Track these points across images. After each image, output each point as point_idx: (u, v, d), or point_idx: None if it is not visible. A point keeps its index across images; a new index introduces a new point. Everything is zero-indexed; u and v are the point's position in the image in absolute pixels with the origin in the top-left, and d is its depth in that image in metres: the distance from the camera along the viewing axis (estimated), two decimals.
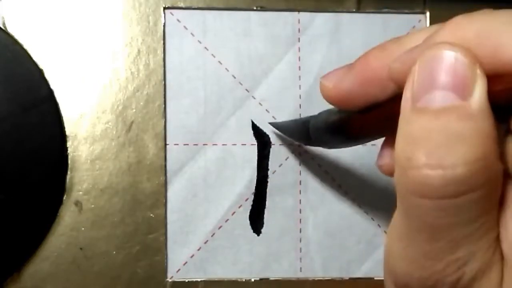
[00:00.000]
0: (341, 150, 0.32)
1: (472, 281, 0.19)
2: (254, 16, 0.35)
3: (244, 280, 0.35)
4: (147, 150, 0.34)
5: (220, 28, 0.35)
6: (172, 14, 0.35)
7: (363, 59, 0.22)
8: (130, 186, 0.34)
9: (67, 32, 0.34)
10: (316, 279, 0.35)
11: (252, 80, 0.35)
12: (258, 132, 0.35)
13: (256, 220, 0.35)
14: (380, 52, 0.22)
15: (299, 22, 0.35)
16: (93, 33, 0.34)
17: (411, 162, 0.18)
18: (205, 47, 0.35)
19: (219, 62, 0.35)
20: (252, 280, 0.35)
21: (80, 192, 0.34)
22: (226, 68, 0.35)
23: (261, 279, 0.35)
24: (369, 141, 0.26)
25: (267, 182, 0.35)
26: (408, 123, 0.19)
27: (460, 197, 0.18)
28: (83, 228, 0.34)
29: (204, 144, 0.35)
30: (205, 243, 0.35)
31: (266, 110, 0.35)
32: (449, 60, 0.18)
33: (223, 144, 0.35)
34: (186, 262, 0.34)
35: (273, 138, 0.35)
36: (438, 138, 0.18)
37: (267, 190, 0.35)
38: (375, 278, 0.35)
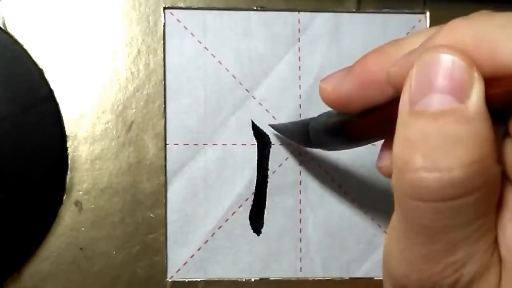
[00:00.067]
0: (341, 150, 0.32)
1: (470, 283, 0.19)
2: (254, 16, 0.35)
3: (244, 280, 0.35)
4: (147, 150, 0.34)
5: (220, 28, 0.35)
6: (172, 14, 0.35)
7: (362, 62, 0.22)
8: (130, 186, 0.34)
9: (67, 32, 0.34)
10: (316, 279, 0.35)
11: (252, 80, 0.35)
12: (258, 132, 0.35)
13: (256, 220, 0.35)
14: (378, 55, 0.22)
15: (299, 22, 0.35)
16: (93, 33, 0.34)
17: (408, 165, 0.18)
18: (205, 47, 0.35)
19: (219, 62, 0.35)
20: (252, 280, 0.35)
21: (80, 192, 0.34)
22: (226, 68, 0.35)
23: (261, 279, 0.35)
24: (369, 143, 0.26)
25: (267, 182, 0.35)
26: (406, 126, 0.19)
27: (457, 199, 0.18)
28: (83, 228, 0.34)
29: (204, 144, 0.35)
30: (205, 243, 0.35)
31: (266, 110, 0.35)
32: (446, 63, 0.18)
33: (223, 144, 0.35)
34: (186, 262, 0.34)
35: (273, 138, 0.35)
36: (435, 141, 0.18)
37: (267, 190, 0.35)
38: (375, 278, 0.35)
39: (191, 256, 0.34)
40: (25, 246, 0.33)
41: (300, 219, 0.35)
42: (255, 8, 0.35)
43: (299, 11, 0.35)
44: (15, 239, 0.33)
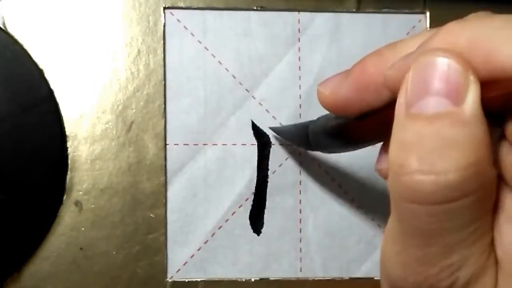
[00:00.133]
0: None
1: (466, 286, 0.19)
2: (254, 16, 0.35)
3: (244, 280, 0.35)
4: (147, 150, 0.34)
5: (220, 28, 0.35)
6: (172, 14, 0.35)
7: (359, 66, 0.22)
8: (130, 186, 0.34)
9: (67, 32, 0.34)
10: (316, 279, 0.35)
11: (252, 80, 0.35)
12: (258, 132, 0.35)
13: (256, 220, 0.35)
14: (375, 59, 0.22)
15: (299, 22, 0.35)
16: (93, 33, 0.34)
17: (403, 167, 0.18)
18: (205, 47, 0.35)
19: (219, 62, 0.35)
20: (252, 280, 0.35)
21: (80, 192, 0.34)
22: (226, 68, 0.35)
23: (261, 279, 0.35)
24: (368, 146, 0.26)
25: (267, 182, 0.35)
26: (402, 129, 0.19)
27: (452, 202, 0.18)
28: (83, 228, 0.34)
29: (204, 144, 0.35)
30: (205, 243, 0.35)
31: (266, 110, 0.35)
32: (442, 66, 0.18)
33: (223, 144, 0.35)
34: (186, 262, 0.34)
35: (273, 138, 0.35)
36: (430, 143, 0.18)
37: (267, 190, 0.35)
38: (375, 278, 0.35)
39: (191, 256, 0.34)
40: (25, 246, 0.33)
41: (300, 219, 0.35)
42: (255, 8, 0.35)
43: (299, 11, 0.35)
44: (15, 239, 0.33)
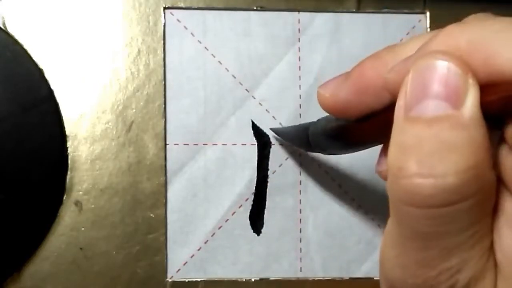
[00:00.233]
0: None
1: None
2: (254, 16, 0.35)
3: (244, 280, 0.35)
4: (147, 150, 0.34)
5: (220, 28, 0.35)
6: (172, 14, 0.35)
7: (359, 68, 0.22)
8: (130, 186, 0.34)
9: (67, 32, 0.34)
10: (316, 279, 0.35)
11: (252, 80, 0.35)
12: (258, 132, 0.35)
13: (256, 220, 0.35)
14: (375, 61, 0.22)
15: (299, 22, 0.35)
16: (93, 33, 0.34)
17: (402, 170, 0.18)
18: (205, 47, 0.35)
19: (219, 62, 0.35)
20: (252, 280, 0.35)
21: (80, 192, 0.34)
22: (226, 68, 0.35)
23: (261, 279, 0.35)
24: (368, 148, 0.26)
25: (267, 182, 0.35)
26: (401, 132, 0.19)
27: (451, 206, 0.18)
28: (83, 228, 0.34)
29: (204, 144, 0.35)
30: (205, 243, 0.35)
31: (266, 110, 0.35)
32: (441, 69, 0.18)
33: (223, 144, 0.35)
34: (186, 262, 0.34)
35: (273, 138, 0.35)
36: (429, 146, 0.18)
37: (267, 190, 0.35)
38: (375, 278, 0.35)
39: (191, 256, 0.34)
40: (25, 246, 0.33)
41: (300, 219, 0.35)
42: (255, 8, 0.35)
43: (299, 11, 0.35)
44: (15, 239, 0.33)
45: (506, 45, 0.17)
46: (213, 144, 0.35)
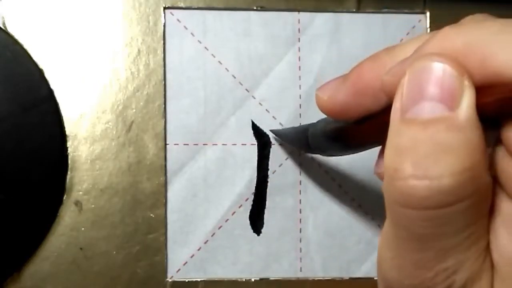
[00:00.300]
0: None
1: None
2: (254, 16, 0.35)
3: (244, 280, 0.35)
4: (147, 150, 0.34)
5: (220, 28, 0.35)
6: (172, 14, 0.35)
7: (357, 70, 0.22)
8: (130, 186, 0.34)
9: (67, 32, 0.34)
10: (316, 279, 0.35)
11: (252, 80, 0.35)
12: (258, 132, 0.35)
13: (256, 220, 0.35)
14: (372, 63, 0.22)
15: (299, 22, 0.35)
16: (93, 33, 0.34)
17: (398, 172, 0.18)
18: (205, 47, 0.35)
19: (219, 62, 0.35)
20: (252, 280, 0.35)
21: (80, 192, 0.34)
22: (226, 68, 0.35)
23: (261, 279, 0.35)
24: (367, 149, 0.26)
25: (267, 182, 0.35)
26: (397, 133, 0.19)
27: (447, 207, 0.18)
28: (83, 228, 0.34)
29: (204, 144, 0.35)
30: (205, 243, 0.35)
31: (266, 110, 0.35)
32: (437, 71, 0.18)
33: (223, 144, 0.35)
34: (186, 262, 0.34)
35: (273, 138, 0.35)
36: (425, 148, 0.18)
37: (267, 190, 0.35)
38: (375, 278, 0.35)
39: (191, 256, 0.34)
40: (25, 246, 0.33)
41: (300, 219, 0.35)
42: (255, 8, 0.35)
43: (299, 11, 0.35)
44: (15, 239, 0.33)
45: (502, 46, 0.17)
46: (213, 144, 0.35)
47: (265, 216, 0.35)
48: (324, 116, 0.25)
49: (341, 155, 0.29)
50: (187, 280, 0.34)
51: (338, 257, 0.35)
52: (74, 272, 0.33)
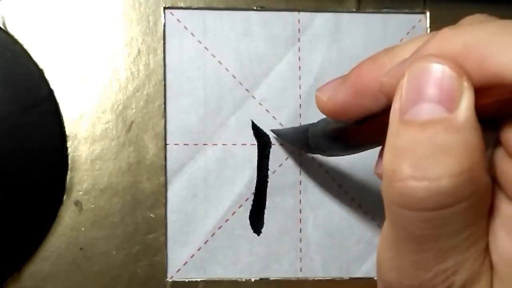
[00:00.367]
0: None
1: None
2: (254, 16, 0.35)
3: (244, 280, 0.35)
4: (147, 150, 0.34)
5: (220, 28, 0.35)
6: (172, 14, 0.35)
7: (356, 71, 0.22)
8: (130, 186, 0.34)
9: (67, 32, 0.34)
10: (316, 279, 0.35)
11: (252, 80, 0.35)
12: (258, 132, 0.35)
13: (256, 220, 0.35)
14: (372, 64, 0.22)
15: (299, 22, 0.35)
16: (93, 33, 0.34)
17: (396, 173, 0.18)
18: (205, 47, 0.35)
19: (219, 62, 0.35)
20: (252, 280, 0.35)
21: (80, 192, 0.34)
22: (226, 68, 0.35)
23: (261, 279, 0.35)
24: (367, 149, 0.26)
25: (267, 182, 0.35)
26: (396, 135, 0.19)
27: (445, 209, 0.18)
28: (83, 228, 0.34)
29: (204, 144, 0.35)
30: (205, 243, 0.35)
31: (266, 110, 0.35)
32: (436, 72, 0.18)
33: (223, 144, 0.35)
34: (186, 262, 0.34)
35: (273, 138, 0.35)
36: (424, 150, 0.18)
37: (267, 190, 0.35)
38: (375, 278, 0.35)
39: (191, 256, 0.34)
40: (25, 246, 0.33)
41: (300, 219, 0.35)
42: (255, 8, 0.35)
43: (299, 11, 0.35)
44: (15, 239, 0.33)
45: (501, 48, 0.17)
46: (213, 144, 0.35)
47: (265, 216, 0.35)
48: (324, 116, 0.25)
49: (341, 155, 0.29)
50: (187, 280, 0.34)
51: (338, 257, 0.35)
52: (74, 272, 0.33)
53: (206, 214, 0.35)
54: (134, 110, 0.34)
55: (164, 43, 0.34)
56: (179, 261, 0.34)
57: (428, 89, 0.18)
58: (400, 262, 0.20)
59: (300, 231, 0.35)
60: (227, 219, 0.35)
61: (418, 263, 0.19)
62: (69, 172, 0.34)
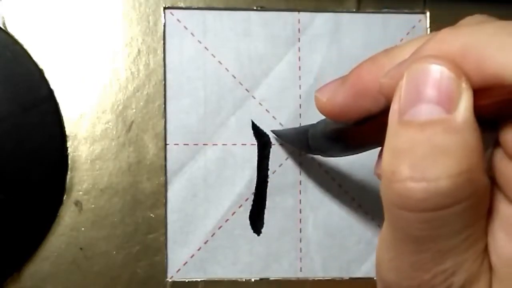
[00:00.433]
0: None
1: None
2: (254, 16, 0.35)
3: (244, 280, 0.35)
4: (147, 150, 0.34)
5: (220, 28, 0.35)
6: (172, 14, 0.35)
7: (355, 72, 0.22)
8: (130, 186, 0.34)
9: (67, 32, 0.34)
10: (316, 279, 0.35)
11: (252, 80, 0.35)
12: (258, 132, 0.35)
13: (256, 220, 0.35)
14: (371, 65, 0.22)
15: (299, 22, 0.35)
16: (93, 33, 0.34)
17: (395, 174, 0.18)
18: (205, 47, 0.35)
19: (219, 62, 0.35)
20: (252, 280, 0.35)
21: (80, 192, 0.34)
22: (226, 68, 0.35)
23: (261, 279, 0.35)
24: (367, 150, 0.26)
25: (267, 182, 0.35)
26: (394, 136, 0.19)
27: (444, 209, 0.18)
28: (83, 228, 0.34)
29: (204, 144, 0.35)
30: (205, 243, 0.35)
31: (266, 110, 0.35)
32: (434, 73, 0.18)
33: (223, 144, 0.35)
34: (186, 262, 0.34)
35: (273, 138, 0.35)
36: (422, 150, 0.18)
37: (267, 190, 0.35)
38: (375, 278, 0.35)
39: (191, 256, 0.34)
40: (25, 246, 0.33)
41: (300, 219, 0.35)
42: (255, 8, 0.35)
43: (299, 11, 0.35)
44: (15, 239, 0.33)
45: (500, 49, 0.17)
46: (213, 144, 0.35)
47: (265, 216, 0.35)
48: (324, 117, 0.25)
49: (341, 156, 0.29)
50: (187, 280, 0.34)
51: (338, 257, 0.35)
52: (74, 272, 0.33)
53: (206, 214, 0.35)
54: (134, 110, 0.34)
55: (164, 43, 0.34)
56: (179, 261, 0.34)
57: (426, 90, 0.18)
58: (399, 263, 0.20)
59: (300, 231, 0.35)
60: (227, 219, 0.35)
61: (417, 264, 0.19)
62: (69, 172, 0.34)
